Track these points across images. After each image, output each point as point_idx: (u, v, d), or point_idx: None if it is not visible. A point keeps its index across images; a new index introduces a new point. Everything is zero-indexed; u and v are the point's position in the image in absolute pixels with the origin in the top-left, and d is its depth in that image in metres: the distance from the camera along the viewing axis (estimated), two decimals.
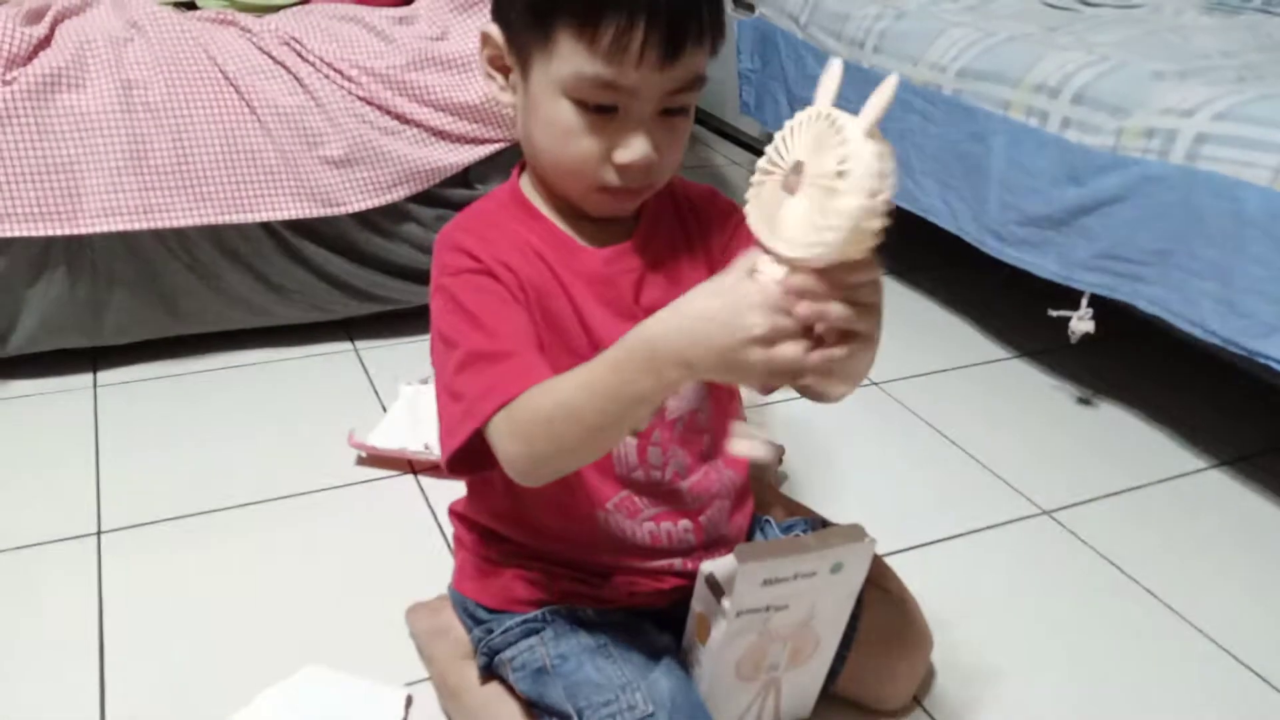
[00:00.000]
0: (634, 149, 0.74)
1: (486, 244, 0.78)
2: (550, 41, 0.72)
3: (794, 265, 0.62)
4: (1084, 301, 1.47)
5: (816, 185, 0.61)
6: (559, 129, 0.74)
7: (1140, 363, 1.70)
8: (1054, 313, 1.50)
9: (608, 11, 0.69)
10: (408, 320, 1.67)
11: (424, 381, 1.45)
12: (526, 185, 0.84)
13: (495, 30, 0.78)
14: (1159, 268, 1.34)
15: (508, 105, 0.80)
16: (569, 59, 0.71)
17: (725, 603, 0.81)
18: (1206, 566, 1.23)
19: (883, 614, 0.94)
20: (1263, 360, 1.22)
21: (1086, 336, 1.48)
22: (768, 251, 0.64)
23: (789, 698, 0.93)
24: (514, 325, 0.76)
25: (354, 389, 1.52)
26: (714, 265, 0.88)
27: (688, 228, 0.87)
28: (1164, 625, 1.14)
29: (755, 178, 0.67)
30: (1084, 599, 1.17)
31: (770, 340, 0.60)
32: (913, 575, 1.01)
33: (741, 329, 0.60)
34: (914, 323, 1.82)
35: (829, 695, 0.95)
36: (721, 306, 0.62)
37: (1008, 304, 1.81)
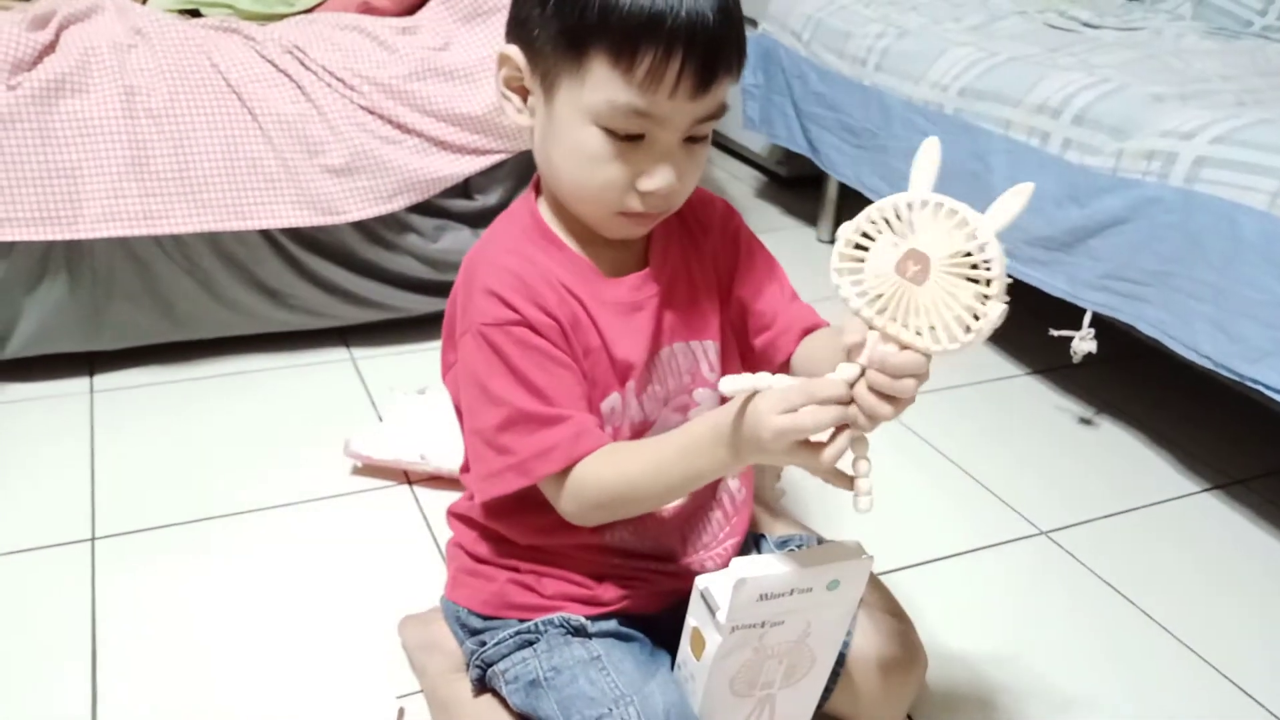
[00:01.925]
0: (660, 177, 0.75)
1: (524, 289, 0.78)
2: (582, 68, 0.72)
3: (918, 351, 0.66)
4: (1086, 321, 1.47)
5: (955, 282, 0.65)
6: (585, 155, 0.74)
7: (1141, 383, 1.70)
8: (1055, 332, 1.50)
9: (645, 41, 0.69)
10: (405, 329, 1.67)
11: (421, 392, 1.44)
12: (544, 209, 0.84)
13: (515, 51, 0.77)
14: (1159, 289, 1.34)
15: (524, 127, 0.80)
16: (601, 87, 0.71)
17: (720, 617, 0.81)
18: (1200, 589, 1.23)
19: (878, 632, 0.93)
20: (1253, 385, 1.22)
21: (1089, 356, 1.48)
22: (875, 329, 0.67)
23: (784, 715, 0.93)
24: (564, 386, 0.78)
25: (350, 398, 1.52)
26: (722, 276, 0.89)
27: (696, 241, 0.88)
28: (1159, 646, 1.13)
29: (844, 249, 0.68)
30: (1080, 619, 1.17)
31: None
32: (910, 593, 1.01)
33: (780, 445, 0.66)
34: None
35: (823, 713, 0.95)
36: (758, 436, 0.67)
37: (1010, 322, 1.81)
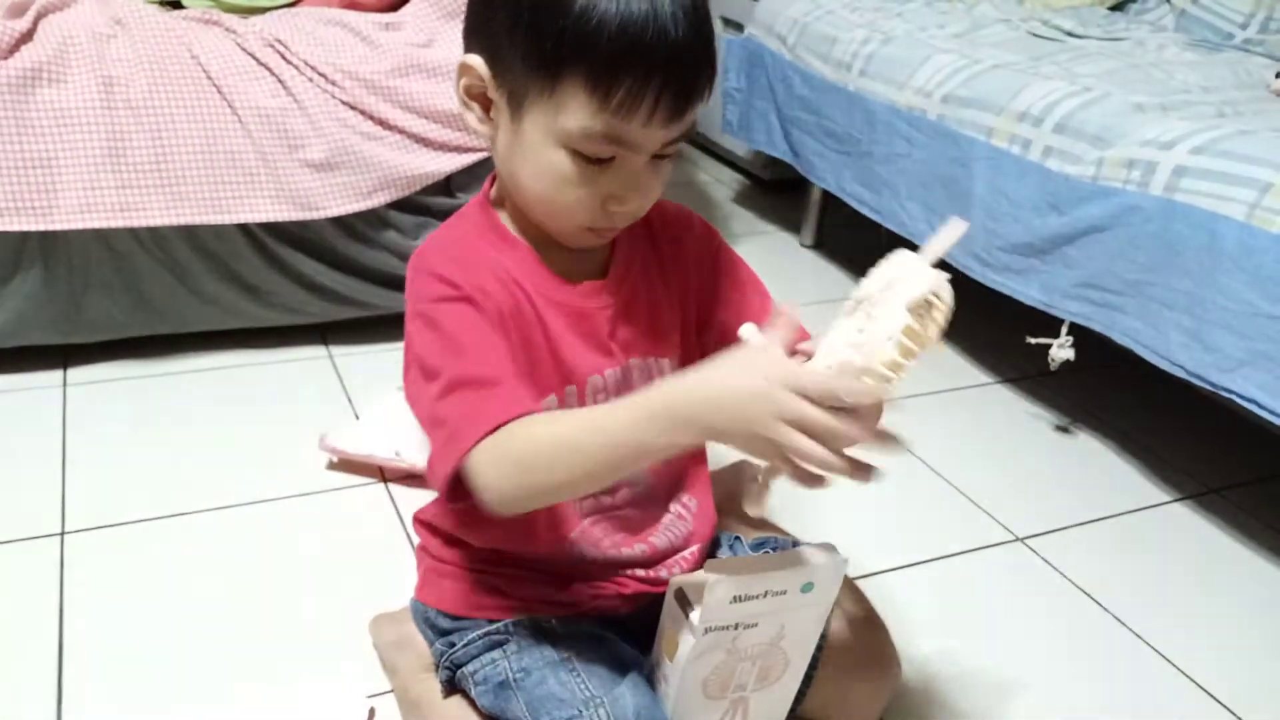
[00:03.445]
0: (630, 200, 0.75)
1: (464, 270, 0.76)
2: (555, 92, 0.70)
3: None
4: (1064, 329, 1.48)
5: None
6: (554, 176, 0.73)
7: (1118, 392, 1.71)
8: (1033, 340, 1.51)
9: (623, 70, 0.68)
10: (384, 326, 1.66)
11: (400, 388, 1.43)
12: (500, 208, 0.83)
13: (477, 62, 0.75)
14: (1135, 299, 1.34)
15: (483, 136, 0.79)
16: (576, 112, 0.70)
17: (693, 618, 0.80)
18: (1174, 596, 1.24)
19: (851, 635, 0.93)
20: (1226, 395, 1.22)
21: (1066, 364, 1.49)
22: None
23: (757, 718, 0.92)
24: (498, 353, 0.75)
25: (328, 394, 1.51)
26: (688, 296, 0.88)
27: (662, 255, 0.87)
28: (1132, 653, 1.14)
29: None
30: (1055, 626, 1.17)
31: (799, 423, 0.62)
32: (885, 597, 1.01)
33: (774, 403, 0.62)
34: None
35: (796, 715, 0.94)
36: (756, 380, 0.64)
37: (989, 330, 1.82)
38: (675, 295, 0.87)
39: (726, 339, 0.86)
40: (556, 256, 0.81)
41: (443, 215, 1.59)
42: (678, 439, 0.67)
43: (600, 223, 0.76)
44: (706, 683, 0.85)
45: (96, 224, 1.38)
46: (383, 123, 1.49)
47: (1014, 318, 1.54)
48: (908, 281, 0.66)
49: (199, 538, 1.19)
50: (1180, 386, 1.40)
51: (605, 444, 0.68)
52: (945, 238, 0.67)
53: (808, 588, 0.84)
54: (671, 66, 0.69)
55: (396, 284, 1.60)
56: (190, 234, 1.46)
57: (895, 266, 0.68)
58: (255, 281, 1.53)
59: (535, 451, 0.70)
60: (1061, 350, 1.48)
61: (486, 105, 0.77)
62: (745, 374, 0.65)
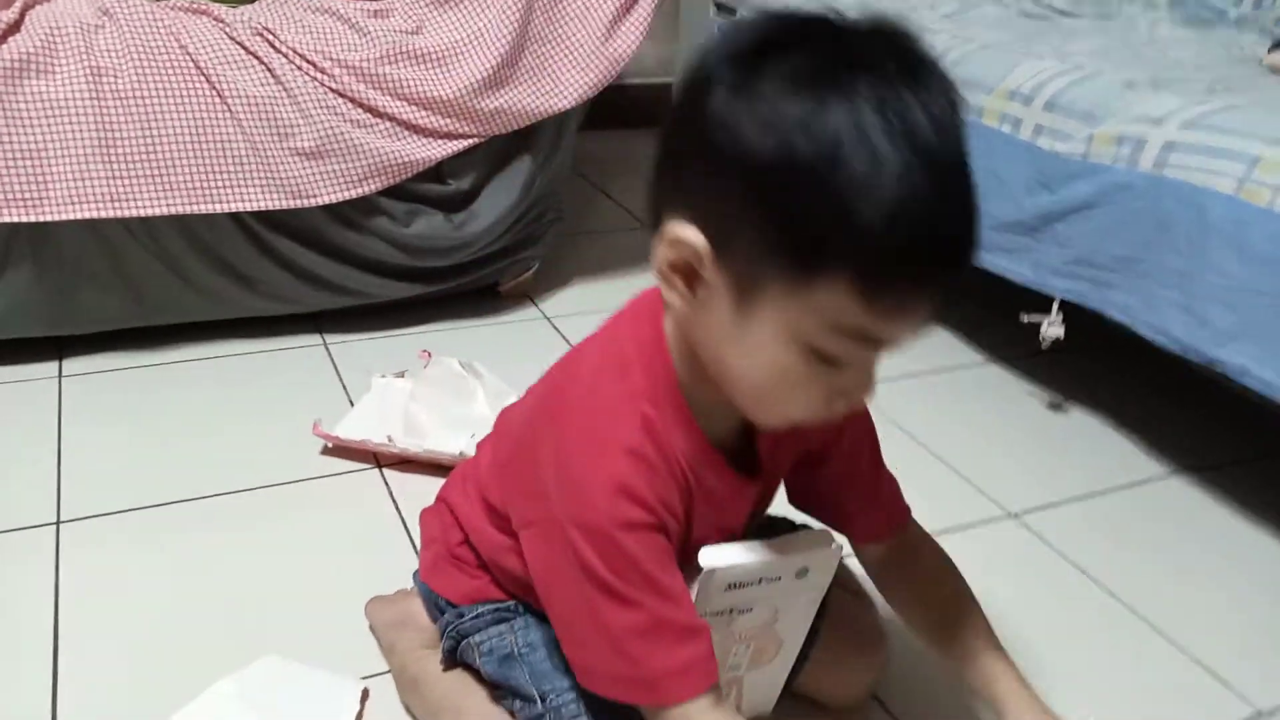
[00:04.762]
0: (860, 394, 0.69)
1: (659, 485, 0.70)
2: (809, 285, 0.60)
3: None
4: (1055, 307, 1.48)
5: None
6: (781, 373, 0.65)
7: (1110, 371, 1.71)
8: (1026, 318, 1.51)
9: (901, 273, 0.60)
10: (380, 315, 1.66)
11: (399, 375, 1.44)
12: (684, 379, 0.73)
13: (696, 239, 0.63)
14: (1126, 275, 1.35)
15: (678, 311, 0.69)
16: (830, 310, 0.61)
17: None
18: (1168, 571, 1.24)
19: (841, 613, 0.94)
20: (1220, 368, 1.23)
21: (1057, 342, 1.49)
22: None
23: (750, 695, 0.93)
24: (684, 590, 0.72)
25: (322, 383, 1.51)
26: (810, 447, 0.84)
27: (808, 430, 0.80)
28: (1125, 626, 1.14)
29: None
30: (1046, 600, 1.18)
31: None
32: None
33: None
34: None
35: (789, 691, 0.95)
36: None
37: (981, 309, 1.82)
38: (795, 452, 0.83)
39: (811, 489, 0.88)
40: (715, 424, 0.75)
41: (435, 202, 1.59)
42: None
43: (819, 416, 0.69)
44: None
45: (87, 214, 1.37)
46: (372, 110, 1.48)
47: (1005, 297, 1.54)
48: None
49: (193, 525, 1.19)
50: (1172, 365, 1.41)
51: None
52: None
53: (803, 573, 0.85)
54: (949, 273, 0.62)
55: (390, 272, 1.61)
56: (181, 224, 1.46)
57: None
58: (248, 271, 1.53)
59: None
60: (1052, 328, 1.48)
61: (692, 281, 0.66)
62: None
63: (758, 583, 0.82)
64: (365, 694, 0.95)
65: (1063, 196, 1.42)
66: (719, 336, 0.67)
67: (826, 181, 0.57)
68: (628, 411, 0.71)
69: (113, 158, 1.37)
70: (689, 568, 0.79)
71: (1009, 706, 0.82)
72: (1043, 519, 1.32)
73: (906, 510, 0.91)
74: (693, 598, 0.80)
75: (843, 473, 0.85)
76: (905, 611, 0.91)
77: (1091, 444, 1.51)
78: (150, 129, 1.39)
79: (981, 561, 1.22)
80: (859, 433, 0.84)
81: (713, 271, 0.64)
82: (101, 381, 1.48)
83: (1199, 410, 1.61)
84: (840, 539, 0.84)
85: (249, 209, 1.46)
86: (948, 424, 1.52)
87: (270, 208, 1.47)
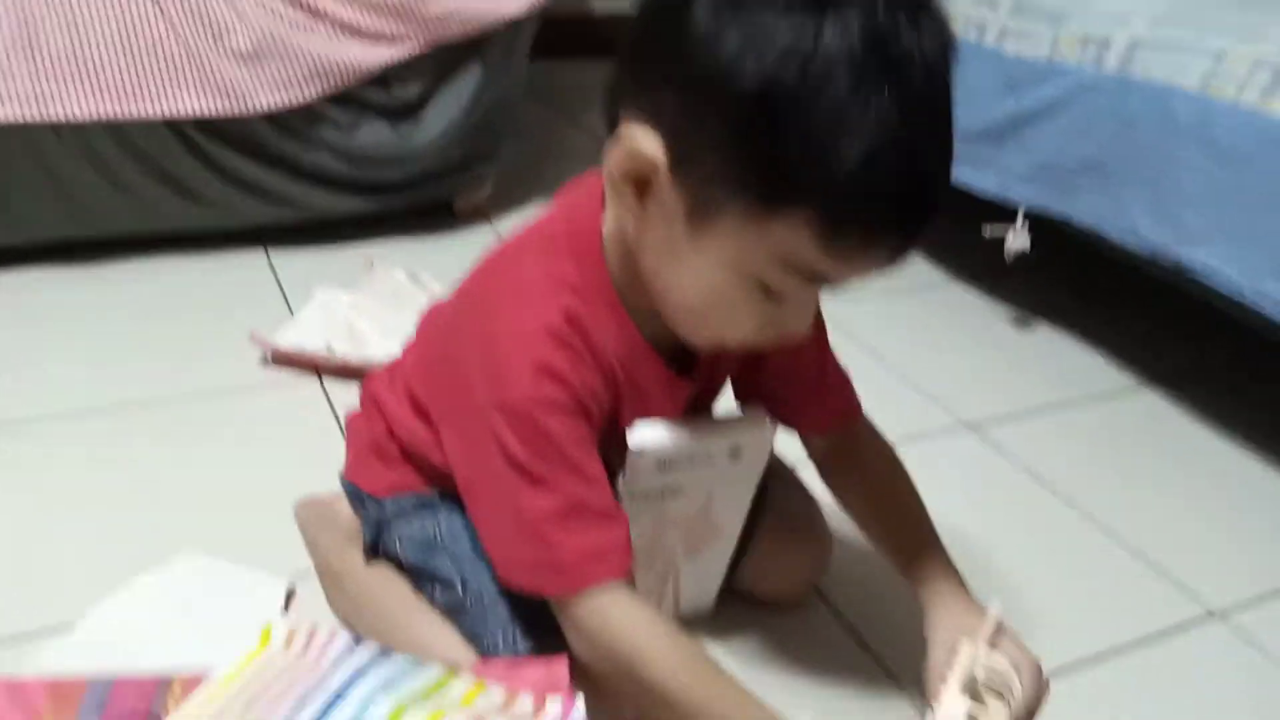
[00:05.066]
0: (796, 327, 0.68)
1: (577, 366, 0.67)
2: (767, 219, 0.58)
3: None
4: (1020, 216, 1.44)
5: None
6: (718, 298, 0.64)
7: (1076, 285, 1.69)
8: (987, 229, 1.47)
9: (866, 218, 0.58)
10: (325, 232, 1.61)
11: (344, 287, 1.39)
12: (617, 276, 0.70)
13: (654, 150, 0.60)
14: (1093, 178, 1.31)
15: (626, 222, 0.66)
16: (784, 244, 0.59)
17: (619, 484, 0.78)
18: (1125, 479, 1.22)
19: (782, 506, 0.91)
20: (1188, 268, 1.19)
21: (1023, 256, 1.45)
22: None
23: (689, 590, 0.90)
24: (605, 477, 0.69)
25: (264, 298, 1.46)
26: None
27: None
28: (1081, 533, 1.12)
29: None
30: (1002, 508, 1.15)
31: None
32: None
33: None
34: None
35: (729, 590, 0.92)
36: None
37: (941, 229, 1.78)
38: (739, 359, 0.80)
39: (757, 386, 0.84)
40: (650, 323, 0.71)
41: (380, 111, 1.53)
42: None
43: (750, 343, 0.68)
44: (635, 548, 0.83)
45: (10, 116, 1.31)
46: (312, 11, 1.42)
47: (969, 215, 1.50)
48: (1000, 685, 0.72)
49: (122, 430, 1.15)
50: (1138, 279, 1.38)
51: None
52: (990, 623, 0.75)
53: (735, 453, 0.81)
54: (913, 225, 0.60)
55: (334, 184, 1.55)
56: (116, 131, 1.40)
57: (977, 654, 0.73)
58: (189, 183, 1.47)
59: (655, 683, 0.66)
60: (1017, 240, 1.44)
61: (642, 191, 0.63)
62: None
63: (689, 462, 0.79)
64: (291, 593, 0.91)
65: (1028, 101, 1.38)
66: (663, 249, 0.65)
67: (806, 115, 0.55)
68: (552, 295, 0.68)
69: (37, 56, 1.31)
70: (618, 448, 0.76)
71: (934, 605, 0.79)
72: (1002, 431, 1.29)
73: (856, 405, 0.87)
74: (622, 478, 0.77)
75: (787, 364, 0.81)
76: (848, 504, 0.88)
77: (1056, 358, 1.48)
78: (75, 27, 1.32)
79: (938, 471, 1.19)
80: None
81: (668, 189, 0.61)
82: (32, 291, 1.42)
83: (1165, 323, 1.59)
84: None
85: (183, 114, 1.40)
86: (908, 341, 1.49)
87: (206, 113, 1.41)
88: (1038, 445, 1.26)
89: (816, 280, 0.63)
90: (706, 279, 0.63)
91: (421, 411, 0.81)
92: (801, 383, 0.83)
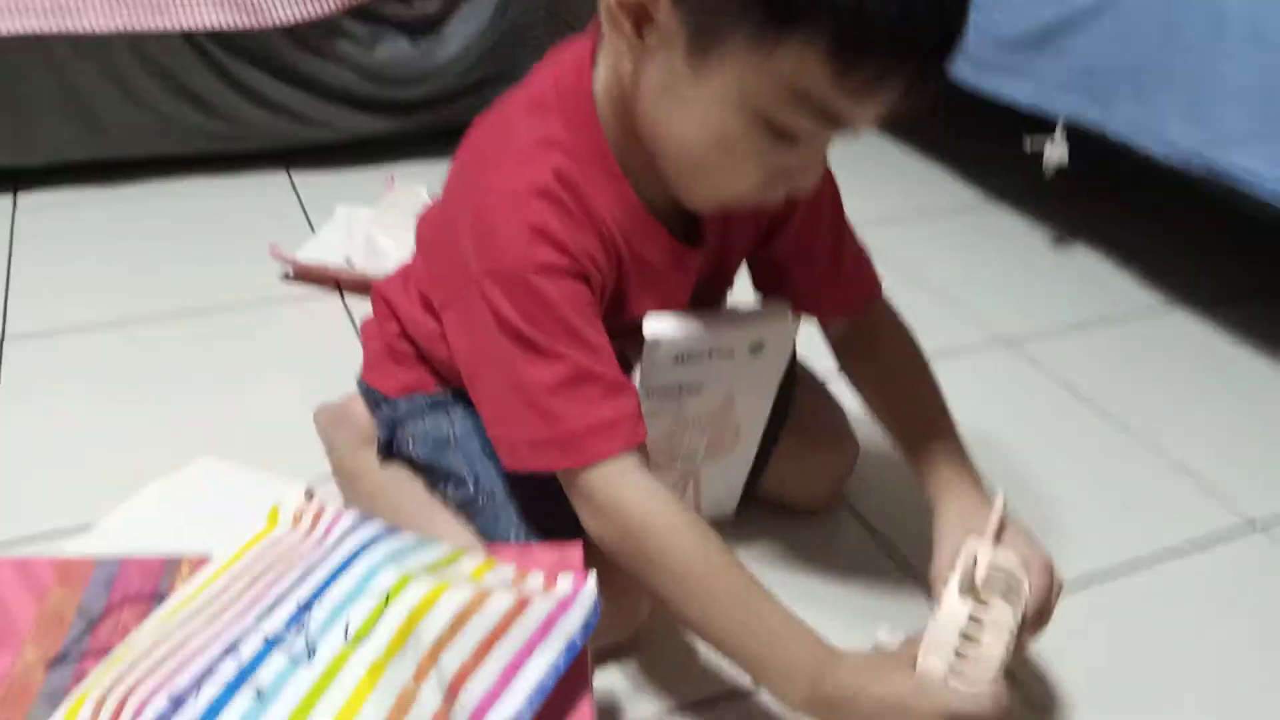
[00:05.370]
0: (807, 177, 0.63)
1: (574, 229, 0.63)
2: (775, 47, 0.54)
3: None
4: (1059, 127, 1.39)
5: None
6: (721, 141, 0.60)
7: (1115, 205, 1.63)
8: (1029, 140, 1.42)
9: (878, 46, 0.53)
10: (349, 152, 1.59)
11: (368, 205, 1.37)
12: (613, 138, 0.66)
13: None
14: (1132, 84, 1.25)
15: (619, 57, 0.62)
16: (793, 75, 0.55)
17: (634, 378, 0.75)
18: (1162, 393, 1.19)
19: (806, 410, 0.88)
20: (1224, 172, 1.14)
21: (1061, 169, 1.40)
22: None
23: (710, 493, 0.88)
24: (609, 349, 0.65)
25: (286, 217, 1.45)
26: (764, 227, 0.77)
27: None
28: (1118, 444, 1.09)
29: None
30: (1037, 420, 1.12)
31: None
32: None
33: None
34: (883, 166, 1.73)
35: (753, 497, 0.90)
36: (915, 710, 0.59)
37: (978, 145, 1.74)
38: (750, 232, 0.76)
39: (777, 273, 0.80)
40: (650, 188, 0.67)
41: (400, 25, 1.50)
42: (791, 697, 0.62)
43: (755, 198, 0.63)
44: (653, 449, 0.81)
45: (30, 28, 1.30)
46: None
47: (1006, 133, 1.44)
48: (1007, 584, 0.68)
49: (145, 344, 1.15)
50: (1177, 197, 1.33)
51: (732, 628, 0.64)
52: (995, 518, 0.72)
53: (757, 348, 0.79)
54: (933, 55, 0.56)
55: (356, 103, 1.53)
56: (135, 46, 1.38)
57: (980, 553, 0.69)
58: (208, 99, 1.46)
59: (666, 557, 0.64)
60: (1055, 151, 1.39)
61: (641, 22, 0.59)
62: (903, 702, 0.60)
63: (708, 356, 0.76)
64: (310, 493, 0.90)
65: (1070, 4, 1.32)
66: (661, 90, 0.60)
67: None
68: (541, 156, 0.64)
69: None
70: (634, 343, 0.74)
71: (942, 499, 0.76)
72: (1039, 346, 1.26)
73: (876, 284, 0.83)
74: (638, 372, 0.74)
75: (803, 241, 0.77)
76: (861, 389, 0.85)
77: (1094, 277, 1.44)
78: None
79: (975, 385, 1.17)
80: (819, 198, 0.75)
81: (668, 13, 0.57)
82: (58, 211, 1.42)
83: (1202, 243, 1.53)
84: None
85: (201, 26, 1.38)
86: (948, 260, 1.45)
87: (224, 26, 1.38)
88: (1075, 360, 1.23)
89: (828, 119, 0.57)
90: (711, 118, 0.59)
91: (431, 308, 0.79)
92: (818, 261, 0.79)
